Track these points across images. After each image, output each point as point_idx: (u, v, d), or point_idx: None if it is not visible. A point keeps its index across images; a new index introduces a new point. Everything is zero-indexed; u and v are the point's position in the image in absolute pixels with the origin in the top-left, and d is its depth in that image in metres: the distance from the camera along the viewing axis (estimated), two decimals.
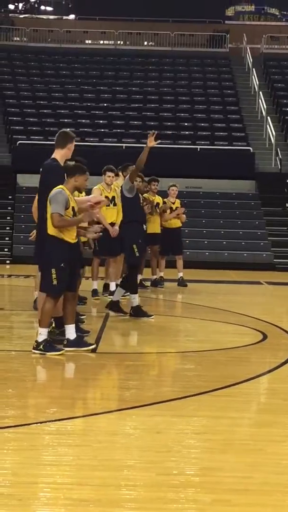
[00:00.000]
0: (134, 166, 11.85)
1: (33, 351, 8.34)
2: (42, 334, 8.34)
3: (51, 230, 8.39)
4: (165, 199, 16.27)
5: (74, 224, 8.53)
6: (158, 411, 6.31)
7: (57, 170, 8.74)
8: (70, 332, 8.57)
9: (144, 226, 12.19)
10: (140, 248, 11.43)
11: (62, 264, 8.30)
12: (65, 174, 8.64)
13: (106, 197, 12.98)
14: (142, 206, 12.37)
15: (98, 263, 13.51)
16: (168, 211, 16.20)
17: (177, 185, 16.81)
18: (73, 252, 8.56)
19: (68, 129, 9.60)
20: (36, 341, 8.35)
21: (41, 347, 8.29)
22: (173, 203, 16.37)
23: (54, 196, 8.38)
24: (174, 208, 16.31)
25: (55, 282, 8.31)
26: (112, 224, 12.79)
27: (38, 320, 8.96)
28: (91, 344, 8.73)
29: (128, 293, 11.98)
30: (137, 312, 11.34)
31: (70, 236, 8.46)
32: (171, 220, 16.25)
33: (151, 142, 10.97)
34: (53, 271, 8.30)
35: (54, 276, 8.30)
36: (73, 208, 8.49)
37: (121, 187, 11.87)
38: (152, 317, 11.38)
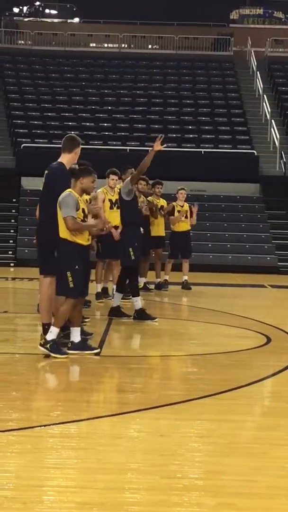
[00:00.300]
0: (133, 169, 11.86)
1: (39, 347, 8.35)
2: (53, 332, 8.33)
3: (63, 234, 8.40)
4: (173, 202, 16.30)
5: (87, 229, 8.55)
6: (162, 414, 6.31)
7: (63, 174, 8.74)
8: (75, 335, 8.58)
9: (142, 229, 12.14)
10: (136, 251, 11.40)
11: (77, 267, 8.36)
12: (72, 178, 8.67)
13: (110, 200, 12.99)
14: (140, 209, 12.30)
15: (102, 266, 13.52)
16: (176, 213, 16.23)
17: (186, 189, 16.84)
18: (85, 254, 8.63)
19: (73, 133, 9.60)
20: (45, 339, 8.35)
21: (48, 346, 8.29)
22: (182, 207, 16.39)
23: (64, 199, 8.39)
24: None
25: (71, 284, 8.35)
26: (116, 227, 12.78)
27: (42, 323, 8.95)
28: (95, 348, 8.73)
29: (130, 296, 11.99)
30: (141, 315, 11.34)
31: (83, 239, 8.49)
32: (180, 223, 16.28)
33: (158, 147, 10.94)
34: (69, 274, 8.34)
35: (70, 279, 8.33)
36: (83, 210, 8.52)
37: (120, 189, 11.88)
38: (156, 320, 11.37)
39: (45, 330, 8.66)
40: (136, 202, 11.71)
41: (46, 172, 9.00)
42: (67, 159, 8.86)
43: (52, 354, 8.25)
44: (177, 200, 16.43)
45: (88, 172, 8.68)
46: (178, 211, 16.26)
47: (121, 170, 12.92)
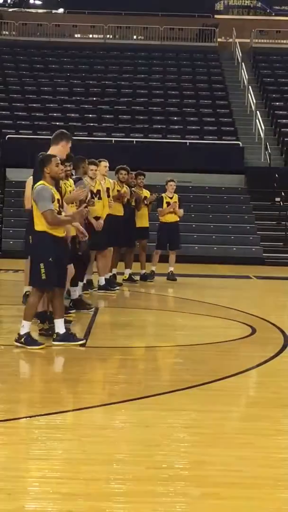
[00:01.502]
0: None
1: (15, 343, 8.39)
2: (25, 327, 8.39)
3: (38, 227, 8.37)
4: (162, 194, 16.33)
5: (66, 223, 8.53)
6: (147, 405, 6.32)
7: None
8: (59, 326, 8.57)
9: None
10: (80, 244, 11.12)
11: (51, 259, 8.31)
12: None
13: (90, 191, 12.98)
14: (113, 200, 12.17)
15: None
16: (165, 205, 16.24)
17: (175, 180, 16.81)
18: (61, 246, 8.56)
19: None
20: (18, 334, 8.40)
21: (22, 340, 8.34)
22: (171, 198, 16.39)
23: (39, 193, 8.34)
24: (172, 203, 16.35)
25: (43, 276, 8.33)
26: (97, 218, 12.81)
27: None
28: (81, 339, 8.73)
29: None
30: (78, 305, 11.17)
31: (58, 231, 8.45)
32: (167, 214, 16.28)
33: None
34: (42, 265, 8.32)
35: (43, 270, 8.32)
36: (58, 200, 8.47)
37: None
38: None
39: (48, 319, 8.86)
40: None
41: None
42: (54, 152, 8.87)
43: (28, 347, 8.27)
44: (166, 192, 16.43)
45: (48, 158, 8.56)
46: (167, 203, 16.27)
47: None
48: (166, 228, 16.33)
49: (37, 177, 8.63)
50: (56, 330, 8.58)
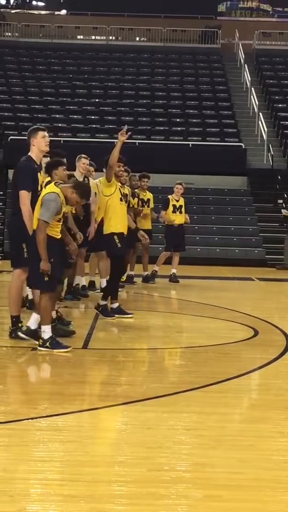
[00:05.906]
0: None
1: (40, 349, 8.26)
2: (46, 331, 8.26)
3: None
4: (169, 196, 16.38)
5: (40, 248, 8.13)
6: (149, 407, 6.31)
7: (23, 168, 8.81)
8: (46, 332, 8.45)
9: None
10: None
11: (52, 259, 8.24)
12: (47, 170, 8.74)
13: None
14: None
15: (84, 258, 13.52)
16: (171, 207, 16.24)
17: (183, 183, 16.78)
18: (60, 247, 8.53)
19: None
20: (42, 339, 8.28)
21: (47, 344, 8.23)
22: (177, 201, 16.39)
23: (48, 203, 8.19)
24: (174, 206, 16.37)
25: (46, 278, 8.26)
26: None
27: (10, 315, 8.90)
28: (67, 347, 8.51)
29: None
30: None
31: (55, 233, 8.35)
32: (173, 216, 16.26)
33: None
34: None
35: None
36: (63, 213, 8.43)
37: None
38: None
39: (13, 323, 8.76)
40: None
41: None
42: (34, 153, 8.90)
43: (54, 351, 8.18)
44: (173, 194, 16.43)
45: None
46: (173, 206, 16.28)
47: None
48: (174, 231, 16.29)
49: (18, 180, 8.66)
50: (42, 335, 8.40)
